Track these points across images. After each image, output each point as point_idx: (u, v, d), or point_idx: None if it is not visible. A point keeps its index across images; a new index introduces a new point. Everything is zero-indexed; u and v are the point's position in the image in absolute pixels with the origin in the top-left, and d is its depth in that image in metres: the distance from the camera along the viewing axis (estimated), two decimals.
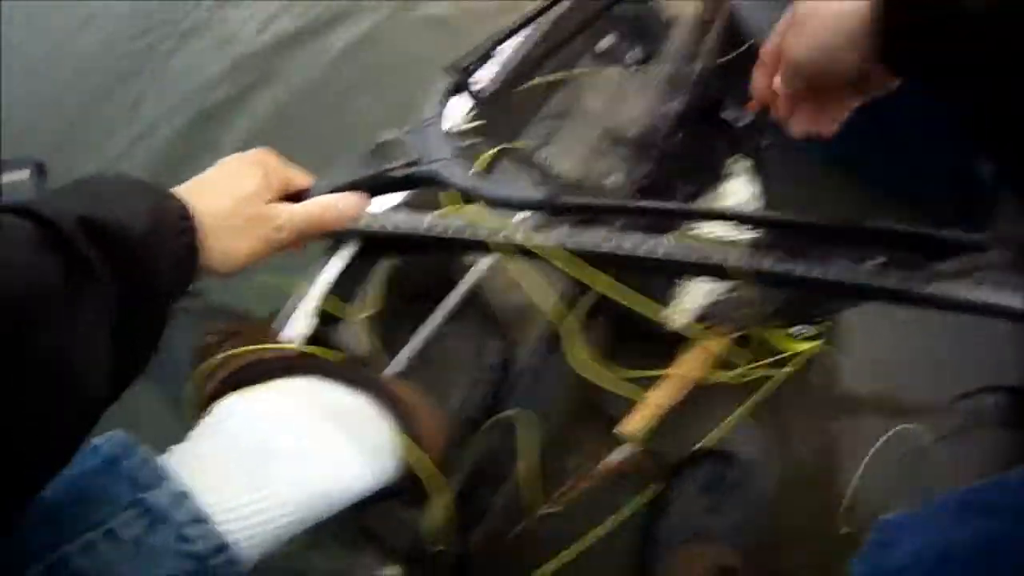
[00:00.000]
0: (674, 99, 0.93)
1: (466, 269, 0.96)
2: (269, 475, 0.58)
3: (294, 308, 0.89)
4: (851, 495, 0.92)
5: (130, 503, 0.50)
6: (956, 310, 0.70)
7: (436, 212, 0.87)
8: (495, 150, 0.82)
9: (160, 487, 0.52)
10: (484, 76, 0.94)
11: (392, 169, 0.63)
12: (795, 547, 0.92)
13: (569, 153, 0.96)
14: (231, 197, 0.56)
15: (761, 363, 0.91)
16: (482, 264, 0.95)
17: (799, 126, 0.60)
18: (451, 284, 0.95)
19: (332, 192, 0.63)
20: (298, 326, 0.88)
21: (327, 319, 0.90)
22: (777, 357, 0.92)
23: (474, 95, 0.90)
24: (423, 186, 0.66)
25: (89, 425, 0.46)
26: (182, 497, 0.52)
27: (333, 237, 0.90)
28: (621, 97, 0.97)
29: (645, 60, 1.05)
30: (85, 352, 0.42)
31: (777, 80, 0.58)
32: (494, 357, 0.98)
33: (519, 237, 0.78)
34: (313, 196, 0.62)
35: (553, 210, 0.64)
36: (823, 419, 1.00)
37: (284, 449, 0.60)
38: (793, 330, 0.96)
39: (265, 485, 0.57)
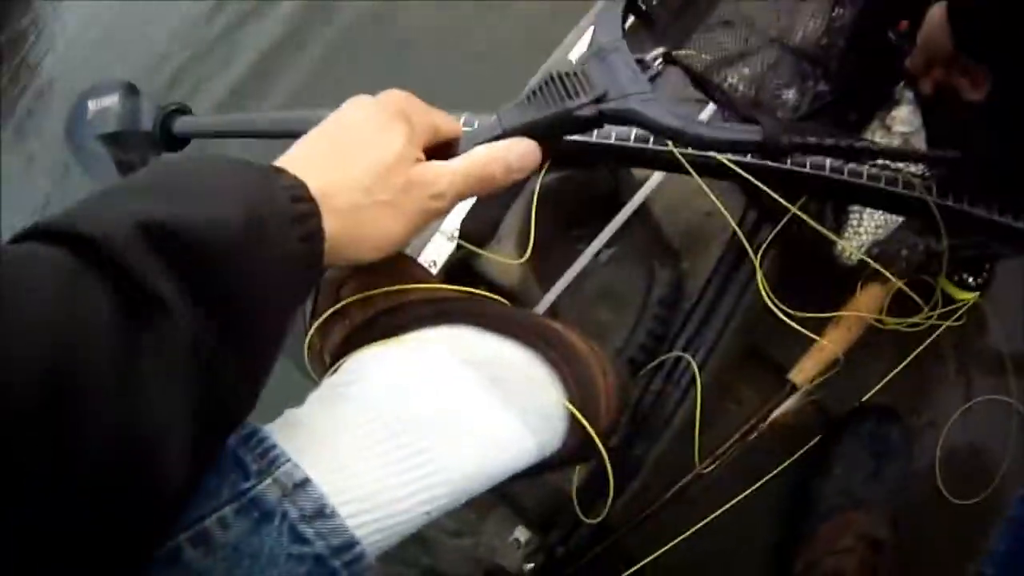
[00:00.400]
0: (844, 13, 0.83)
1: (632, 187, 0.82)
2: (414, 453, 0.44)
3: (432, 230, 0.79)
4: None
5: (231, 496, 0.39)
6: None
7: None
8: (659, 58, 0.69)
9: (270, 471, 0.39)
10: None
11: (576, 108, 0.50)
12: (927, 516, 0.86)
13: (738, 65, 0.84)
14: (371, 162, 0.44)
15: (940, 311, 0.80)
16: (652, 181, 0.80)
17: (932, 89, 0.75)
18: (612, 205, 0.82)
19: (496, 140, 0.50)
20: (436, 252, 0.78)
21: (469, 244, 0.80)
22: (949, 308, 0.83)
23: (643, 12, 0.83)
24: (615, 125, 0.54)
25: (169, 519, 0.35)
26: (300, 484, 0.40)
27: None
28: (788, 7, 0.85)
29: None
30: (151, 421, 0.31)
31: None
32: (663, 289, 0.86)
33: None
34: (468, 147, 0.50)
35: (775, 152, 0.50)
36: (967, 378, 0.92)
37: (433, 419, 0.46)
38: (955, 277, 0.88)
39: (409, 466, 0.44)
